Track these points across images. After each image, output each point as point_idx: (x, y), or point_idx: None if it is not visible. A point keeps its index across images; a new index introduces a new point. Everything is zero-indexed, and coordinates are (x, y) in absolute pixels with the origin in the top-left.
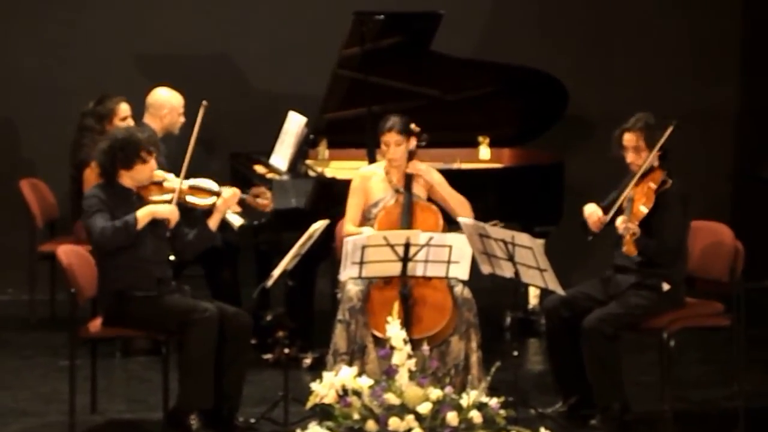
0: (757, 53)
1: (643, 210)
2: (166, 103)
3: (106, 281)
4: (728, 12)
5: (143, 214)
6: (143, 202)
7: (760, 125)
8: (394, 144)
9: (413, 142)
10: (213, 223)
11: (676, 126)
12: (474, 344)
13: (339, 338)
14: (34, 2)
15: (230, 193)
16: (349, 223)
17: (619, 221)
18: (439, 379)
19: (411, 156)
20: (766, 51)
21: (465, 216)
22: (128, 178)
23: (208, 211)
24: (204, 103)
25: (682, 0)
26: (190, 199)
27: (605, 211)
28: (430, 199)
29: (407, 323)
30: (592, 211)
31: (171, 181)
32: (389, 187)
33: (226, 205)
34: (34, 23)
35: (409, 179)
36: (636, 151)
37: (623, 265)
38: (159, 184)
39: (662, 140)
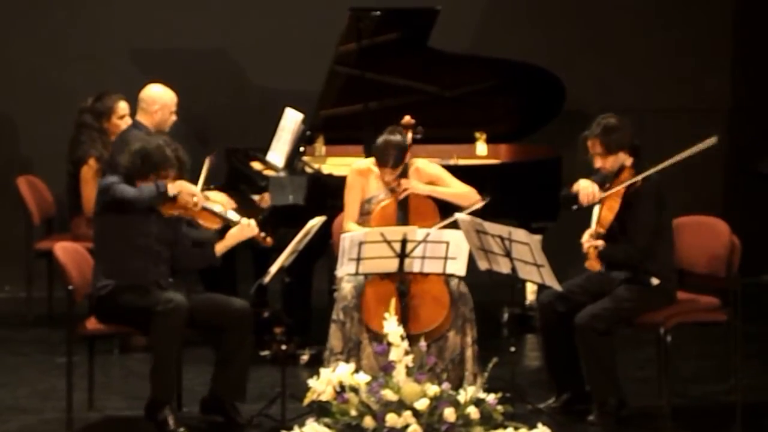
0: (750, 47)
1: (609, 216)
2: (158, 99)
3: (100, 274)
4: (721, 7)
5: (174, 184)
6: (158, 212)
7: (753, 119)
8: (389, 173)
9: (409, 137)
10: (220, 248)
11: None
12: (469, 339)
13: (334, 338)
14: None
15: (247, 223)
16: (349, 221)
17: (584, 238)
18: (438, 374)
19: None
20: (759, 45)
21: (470, 204)
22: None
23: (222, 231)
24: (210, 158)
25: None
26: (202, 221)
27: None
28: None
29: (404, 319)
30: (588, 185)
31: (188, 200)
32: (383, 186)
33: (240, 235)
34: (32, 20)
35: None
36: (600, 156)
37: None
38: (173, 199)
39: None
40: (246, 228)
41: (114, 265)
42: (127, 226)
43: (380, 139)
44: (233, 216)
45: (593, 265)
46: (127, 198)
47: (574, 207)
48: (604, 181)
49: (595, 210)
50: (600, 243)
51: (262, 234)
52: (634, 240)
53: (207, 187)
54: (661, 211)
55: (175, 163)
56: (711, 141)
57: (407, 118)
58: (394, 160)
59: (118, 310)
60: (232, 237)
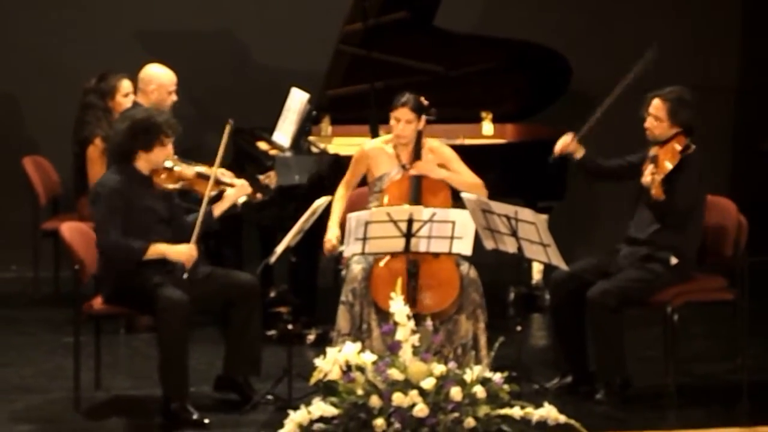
0: (757, 26)
1: (668, 165)
2: (154, 78)
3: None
4: None
5: (153, 252)
6: (158, 189)
7: (760, 98)
8: (405, 121)
9: (423, 121)
10: (218, 210)
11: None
12: (482, 324)
13: (342, 319)
14: None
15: (241, 183)
16: (342, 186)
17: (647, 173)
18: (444, 357)
19: (420, 133)
20: (767, 25)
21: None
22: (145, 161)
23: (216, 196)
24: (230, 121)
25: None
26: (198, 188)
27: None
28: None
29: (413, 299)
30: (566, 136)
31: (183, 167)
32: (396, 162)
33: (236, 195)
34: (36, 2)
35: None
36: (656, 119)
37: (636, 237)
38: (170, 169)
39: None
40: (240, 188)
41: None
42: (129, 209)
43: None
44: (227, 179)
45: (659, 192)
46: (98, 229)
47: (549, 159)
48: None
49: (651, 156)
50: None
51: (255, 192)
52: (675, 202)
53: (226, 153)
54: (703, 187)
55: (169, 123)
56: (649, 55)
57: (421, 99)
58: (413, 101)
59: (124, 294)
60: (229, 198)
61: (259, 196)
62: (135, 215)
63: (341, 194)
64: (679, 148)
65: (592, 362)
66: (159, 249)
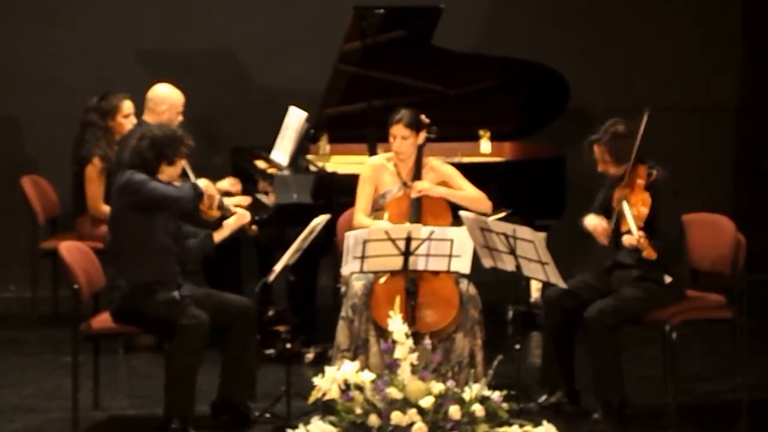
0: (758, 46)
1: (644, 210)
2: (166, 99)
3: (121, 274)
4: (730, 5)
5: (203, 183)
6: None
7: (760, 118)
8: (401, 137)
9: (422, 136)
10: (218, 236)
11: (649, 116)
12: (479, 341)
13: (341, 335)
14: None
15: (242, 213)
16: (360, 213)
17: (626, 238)
18: (443, 375)
19: (420, 150)
20: (766, 44)
21: (482, 210)
22: (167, 175)
23: (217, 221)
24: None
25: None
26: (206, 213)
27: (605, 215)
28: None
29: (412, 318)
30: (595, 224)
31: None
32: (397, 180)
33: (235, 224)
34: (36, 21)
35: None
36: (604, 163)
37: (624, 262)
38: (212, 198)
39: (640, 131)
40: (241, 216)
41: (135, 264)
42: (153, 224)
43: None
44: (231, 207)
45: (651, 253)
46: (170, 197)
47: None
48: (603, 206)
49: (625, 210)
50: (644, 235)
51: (251, 224)
52: (664, 234)
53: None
54: (680, 205)
55: (185, 142)
56: (645, 116)
57: (422, 117)
58: (408, 117)
59: (141, 313)
60: (229, 226)
61: (254, 228)
62: (157, 234)
63: (364, 220)
64: (642, 182)
65: (578, 381)
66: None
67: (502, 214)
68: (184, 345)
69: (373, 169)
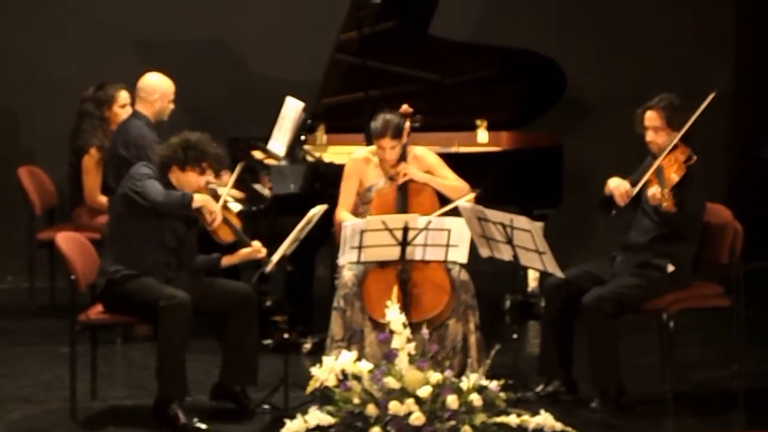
0: (752, 33)
1: (675, 177)
2: (157, 88)
3: (112, 259)
4: None
5: (199, 198)
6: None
7: (756, 105)
8: (389, 148)
9: (407, 124)
10: (227, 261)
11: (713, 98)
12: (472, 325)
13: (335, 325)
14: None
15: (258, 248)
16: (342, 210)
17: (653, 190)
18: (439, 362)
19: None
20: (762, 31)
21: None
22: (176, 179)
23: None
24: (242, 164)
25: None
26: (217, 233)
27: (631, 184)
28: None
29: (406, 307)
30: (618, 183)
31: (208, 216)
32: (382, 173)
33: (249, 256)
34: (33, 11)
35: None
36: (655, 130)
37: (635, 242)
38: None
39: (701, 107)
40: (255, 251)
41: (128, 253)
42: (150, 216)
43: (377, 118)
44: (246, 237)
45: (671, 205)
46: (153, 199)
47: (613, 212)
48: (638, 178)
49: (658, 169)
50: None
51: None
52: (687, 214)
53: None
54: (706, 196)
55: (214, 158)
56: (710, 96)
57: (405, 107)
58: (393, 129)
59: (124, 299)
60: (241, 256)
61: (268, 268)
62: (153, 227)
63: (346, 217)
64: (682, 158)
65: (575, 371)
66: (203, 197)
67: (471, 196)
68: (166, 326)
69: (357, 164)
